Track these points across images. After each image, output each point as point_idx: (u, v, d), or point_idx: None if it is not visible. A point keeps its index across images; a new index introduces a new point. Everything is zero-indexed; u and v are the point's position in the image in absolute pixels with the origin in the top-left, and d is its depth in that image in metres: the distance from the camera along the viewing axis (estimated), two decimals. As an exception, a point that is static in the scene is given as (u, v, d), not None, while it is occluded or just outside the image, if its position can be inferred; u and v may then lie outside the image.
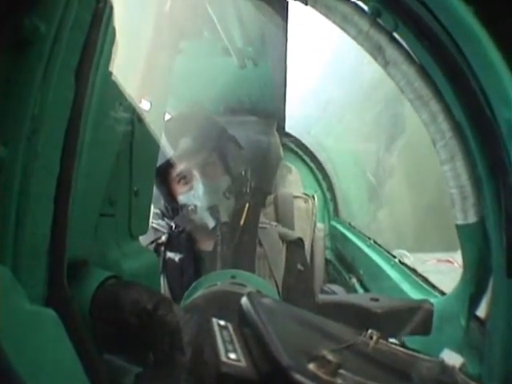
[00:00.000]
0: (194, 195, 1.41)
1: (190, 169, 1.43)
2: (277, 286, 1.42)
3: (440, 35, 0.64)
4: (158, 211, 1.59)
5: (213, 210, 1.39)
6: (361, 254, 1.82)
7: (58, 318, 0.42)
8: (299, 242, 1.62)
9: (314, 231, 2.15)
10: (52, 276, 0.47)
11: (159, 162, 1.28)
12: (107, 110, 0.59)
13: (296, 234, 1.68)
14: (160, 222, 1.60)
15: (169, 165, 1.42)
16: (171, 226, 1.54)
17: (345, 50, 1.88)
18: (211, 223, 1.39)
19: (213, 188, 1.42)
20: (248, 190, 1.57)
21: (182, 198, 1.45)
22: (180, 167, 1.43)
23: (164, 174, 1.46)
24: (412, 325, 0.65)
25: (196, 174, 1.42)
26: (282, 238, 1.58)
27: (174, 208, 1.49)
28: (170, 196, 1.50)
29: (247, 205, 1.53)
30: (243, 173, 1.58)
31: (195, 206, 1.41)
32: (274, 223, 1.69)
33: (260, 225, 1.59)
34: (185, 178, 1.44)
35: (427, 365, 0.42)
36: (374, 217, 2.53)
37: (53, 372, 0.38)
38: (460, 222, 0.74)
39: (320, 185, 2.61)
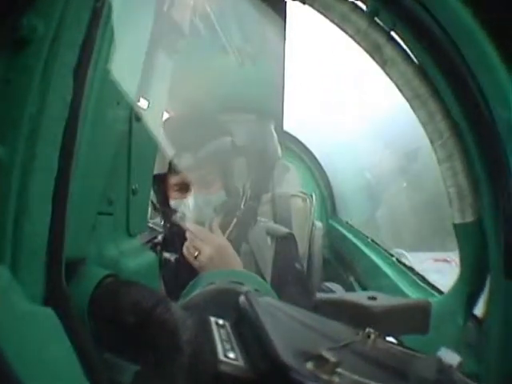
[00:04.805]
0: (185, 204, 1.42)
1: (187, 179, 1.43)
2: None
3: (438, 34, 0.65)
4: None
5: (198, 223, 1.39)
6: (359, 252, 1.82)
7: (56, 316, 0.42)
8: (289, 236, 1.60)
9: (312, 230, 2.14)
10: (50, 275, 0.47)
11: (159, 171, 1.30)
12: (105, 109, 0.59)
13: (285, 229, 1.65)
14: (156, 220, 1.61)
15: (168, 170, 1.43)
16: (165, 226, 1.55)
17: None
18: None
19: (204, 203, 1.43)
20: (242, 206, 1.56)
21: (173, 204, 1.46)
22: (178, 177, 1.44)
23: (162, 178, 1.46)
24: (410, 323, 0.65)
25: (191, 187, 1.43)
26: (271, 234, 1.57)
27: (164, 211, 1.50)
28: (165, 198, 1.50)
29: (235, 220, 1.52)
30: (241, 190, 1.57)
31: (184, 214, 1.42)
32: (264, 219, 1.68)
33: None
34: (181, 188, 1.46)
35: (425, 363, 0.42)
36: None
37: (51, 371, 0.38)
38: (457, 221, 0.74)
39: (318, 183, 2.60)
